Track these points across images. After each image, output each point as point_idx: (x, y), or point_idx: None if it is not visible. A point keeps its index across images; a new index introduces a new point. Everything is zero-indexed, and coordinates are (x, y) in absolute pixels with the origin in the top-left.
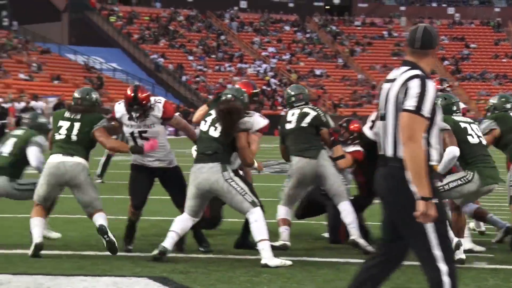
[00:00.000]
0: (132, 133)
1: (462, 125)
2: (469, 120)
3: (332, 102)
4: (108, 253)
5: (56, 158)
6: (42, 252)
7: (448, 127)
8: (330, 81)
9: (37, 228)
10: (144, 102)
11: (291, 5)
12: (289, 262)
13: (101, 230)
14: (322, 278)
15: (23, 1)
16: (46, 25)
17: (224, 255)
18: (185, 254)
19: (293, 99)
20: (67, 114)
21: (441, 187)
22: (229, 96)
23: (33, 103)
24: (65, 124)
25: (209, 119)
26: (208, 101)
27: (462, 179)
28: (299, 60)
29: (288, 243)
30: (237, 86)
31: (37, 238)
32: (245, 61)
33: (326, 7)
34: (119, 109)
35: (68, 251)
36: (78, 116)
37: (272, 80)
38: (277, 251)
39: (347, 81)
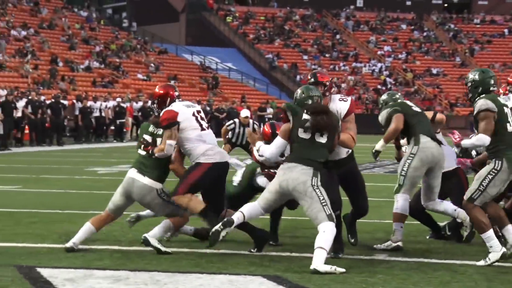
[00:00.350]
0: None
1: (505, 109)
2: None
3: (448, 102)
4: (224, 251)
5: (131, 173)
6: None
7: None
8: (447, 80)
9: (81, 233)
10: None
11: (408, 3)
12: (342, 270)
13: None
14: (439, 280)
15: (142, 3)
16: (164, 25)
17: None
18: (299, 253)
19: None
20: (151, 129)
21: (477, 191)
22: (315, 97)
23: (150, 103)
24: (148, 139)
25: (306, 127)
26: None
27: (491, 172)
28: (415, 59)
29: (400, 243)
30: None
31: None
32: (360, 60)
33: (445, 5)
34: (179, 108)
35: (185, 249)
36: (161, 132)
37: (388, 80)
38: (392, 251)
39: (465, 80)
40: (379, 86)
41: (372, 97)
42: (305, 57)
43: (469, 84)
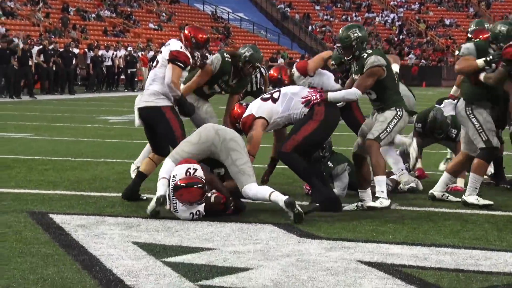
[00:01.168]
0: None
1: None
2: None
3: None
4: None
5: None
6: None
7: None
8: (460, 31)
9: None
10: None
11: None
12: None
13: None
14: (449, 229)
15: None
16: None
17: (348, 203)
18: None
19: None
20: None
21: (384, 132)
22: None
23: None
24: None
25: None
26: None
27: (396, 117)
28: (428, 10)
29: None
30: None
31: None
32: (373, 11)
33: None
34: (189, 54)
35: None
36: None
37: (400, 30)
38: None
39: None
40: (391, 36)
41: (383, 47)
42: (317, 7)
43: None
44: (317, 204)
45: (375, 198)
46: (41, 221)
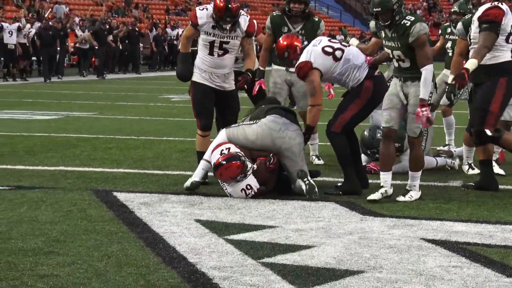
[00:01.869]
0: (212, 42)
1: None
2: None
3: None
4: None
5: None
6: None
7: None
8: None
9: None
10: (236, 13)
11: None
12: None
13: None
14: None
15: None
16: None
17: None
18: (370, 180)
19: None
20: None
21: None
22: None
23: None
24: None
25: None
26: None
27: None
28: None
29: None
30: None
31: None
32: None
33: None
34: (203, 15)
35: None
36: None
37: None
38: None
39: None
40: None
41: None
42: None
43: None
44: (340, 192)
45: (406, 191)
46: (105, 199)
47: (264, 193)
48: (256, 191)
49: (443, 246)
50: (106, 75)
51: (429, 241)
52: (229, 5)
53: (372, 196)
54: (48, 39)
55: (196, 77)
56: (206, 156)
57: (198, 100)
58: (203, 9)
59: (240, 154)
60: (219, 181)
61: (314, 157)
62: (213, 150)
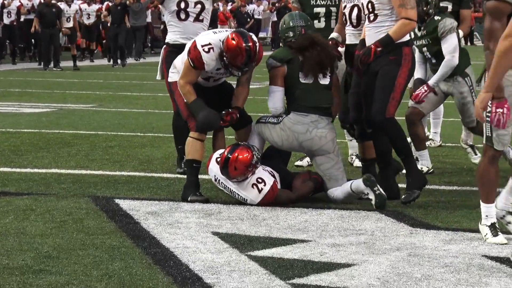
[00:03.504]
0: (207, 78)
1: None
2: None
3: None
4: None
5: None
6: None
7: None
8: None
9: None
10: (255, 54)
11: None
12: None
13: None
14: None
15: None
16: None
17: (470, 187)
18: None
19: None
20: None
21: None
22: (300, 27)
23: None
24: None
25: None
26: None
27: None
28: None
29: None
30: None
31: None
32: None
33: None
34: (210, 60)
35: None
36: None
37: None
38: None
39: None
40: None
41: None
42: None
43: None
44: (419, 191)
45: None
46: (106, 207)
47: (290, 200)
48: (272, 185)
49: (509, 265)
50: (122, 62)
51: (492, 258)
52: (247, 47)
53: None
54: (50, 18)
55: (174, 75)
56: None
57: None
58: (208, 50)
59: (241, 142)
60: (224, 185)
61: (354, 157)
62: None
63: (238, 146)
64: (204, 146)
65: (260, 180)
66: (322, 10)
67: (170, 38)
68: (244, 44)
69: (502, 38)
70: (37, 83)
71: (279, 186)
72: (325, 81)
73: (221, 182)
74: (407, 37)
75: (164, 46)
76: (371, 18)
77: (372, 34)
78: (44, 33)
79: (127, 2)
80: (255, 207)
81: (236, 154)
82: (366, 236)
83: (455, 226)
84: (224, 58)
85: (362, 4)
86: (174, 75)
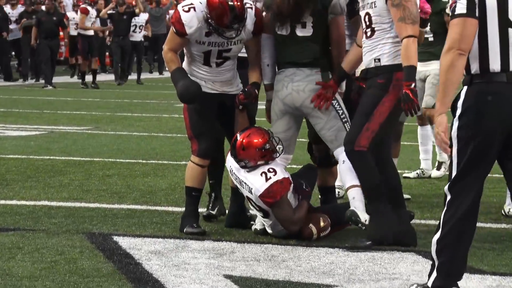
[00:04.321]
0: (207, 53)
1: None
2: None
3: None
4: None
5: None
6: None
7: None
8: None
9: None
10: (243, 12)
11: None
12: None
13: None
14: None
15: None
16: None
17: None
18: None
19: None
20: None
21: None
22: None
23: None
24: None
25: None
26: None
27: None
28: None
29: None
30: None
31: None
32: None
33: None
34: (191, 20)
35: None
36: None
37: None
38: None
39: None
40: None
41: None
42: None
43: None
44: (369, 243)
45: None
46: (103, 245)
47: (289, 217)
48: (282, 179)
49: None
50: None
51: None
52: (232, 3)
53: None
54: (50, 28)
55: None
56: None
57: (196, 114)
58: (188, 9)
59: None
60: (235, 177)
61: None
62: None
63: (253, 127)
64: (206, 173)
65: (271, 170)
66: None
67: None
68: (226, 0)
69: (443, 54)
70: (24, 102)
71: (291, 189)
72: (304, 32)
73: (233, 173)
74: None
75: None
76: (368, 33)
77: (367, 54)
78: (43, 44)
79: (136, 10)
80: (273, 247)
81: (248, 133)
82: (401, 281)
83: (503, 271)
84: (209, 20)
85: (360, 16)
86: None
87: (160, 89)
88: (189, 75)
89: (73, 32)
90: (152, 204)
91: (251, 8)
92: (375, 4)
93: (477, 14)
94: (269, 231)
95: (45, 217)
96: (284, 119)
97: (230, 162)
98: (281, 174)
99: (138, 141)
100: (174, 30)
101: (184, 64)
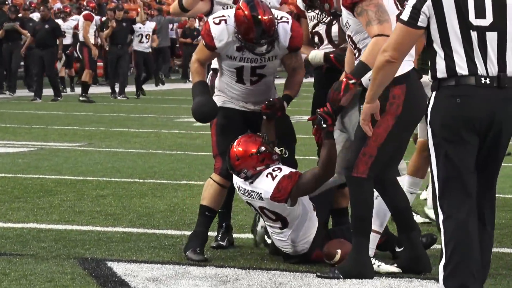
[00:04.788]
0: (240, 68)
1: None
2: None
3: None
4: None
5: None
6: None
7: None
8: None
9: None
10: (271, 28)
11: None
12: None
13: None
14: None
15: None
16: None
17: None
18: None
19: None
20: None
21: None
22: None
23: None
24: None
25: None
26: None
27: None
28: None
29: None
30: None
31: None
32: None
33: None
34: (221, 34)
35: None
36: None
37: None
38: None
39: None
40: None
41: None
42: None
43: None
44: (341, 277)
45: None
46: (96, 271)
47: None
48: (289, 173)
49: None
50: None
51: None
52: (259, 17)
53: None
54: (44, 37)
55: (218, 99)
56: None
57: (222, 131)
58: (219, 22)
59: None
60: (243, 190)
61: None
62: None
63: (243, 136)
64: (224, 195)
65: (276, 169)
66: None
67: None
68: (251, 13)
69: (379, 53)
70: (12, 116)
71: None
72: None
73: (241, 188)
74: (401, 71)
75: (211, 72)
76: (356, 54)
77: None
78: (34, 54)
79: (137, 18)
80: (281, 273)
81: (239, 142)
82: None
83: None
84: (237, 35)
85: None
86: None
87: (159, 102)
88: (220, 92)
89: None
90: (149, 227)
91: (287, 22)
92: (348, 23)
93: (420, 24)
94: (289, 250)
95: (34, 241)
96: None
97: (236, 179)
98: (287, 169)
99: (135, 159)
100: (203, 42)
101: (217, 80)
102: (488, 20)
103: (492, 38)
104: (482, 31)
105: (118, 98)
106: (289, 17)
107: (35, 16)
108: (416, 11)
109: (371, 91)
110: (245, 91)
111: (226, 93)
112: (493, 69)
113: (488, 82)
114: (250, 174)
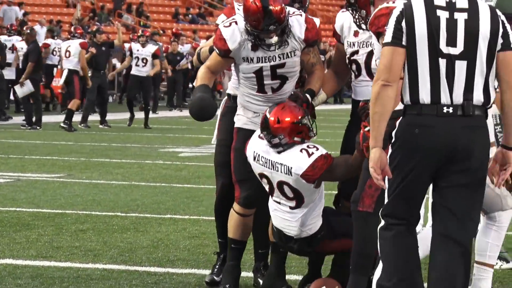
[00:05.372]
0: (259, 72)
1: None
2: None
3: None
4: None
5: None
6: None
7: None
8: None
9: None
10: (281, 16)
11: None
12: None
13: None
14: None
15: None
16: None
17: None
18: None
19: None
20: None
21: None
22: None
23: None
24: None
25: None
26: None
27: None
28: None
29: None
30: None
31: None
32: None
33: None
34: (233, 35)
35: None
36: None
37: None
38: None
39: None
40: None
41: None
42: None
43: None
44: None
45: None
46: None
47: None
48: (326, 155)
49: None
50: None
51: None
52: (267, 6)
53: None
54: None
55: (239, 119)
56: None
57: (241, 155)
58: (229, 24)
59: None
60: (265, 160)
61: None
62: None
63: (285, 102)
64: (249, 224)
65: (311, 146)
66: None
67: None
68: (259, 1)
69: (372, 86)
70: None
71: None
72: None
73: (261, 157)
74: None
75: (225, 98)
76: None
77: None
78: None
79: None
80: None
81: (282, 106)
82: None
83: None
84: (246, 26)
85: None
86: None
87: (142, 131)
88: (240, 109)
89: (51, 61)
90: (131, 263)
91: (300, 15)
92: (374, 47)
93: (404, 43)
94: (293, 232)
95: (9, 278)
96: None
97: (254, 147)
98: (323, 149)
99: (117, 191)
100: (217, 51)
101: (238, 97)
102: (459, 48)
103: (461, 66)
104: (451, 59)
105: (100, 127)
106: (300, 11)
107: None
108: (397, 30)
109: (373, 131)
110: (268, 102)
111: (248, 107)
112: (459, 98)
113: (451, 111)
114: (285, 142)
